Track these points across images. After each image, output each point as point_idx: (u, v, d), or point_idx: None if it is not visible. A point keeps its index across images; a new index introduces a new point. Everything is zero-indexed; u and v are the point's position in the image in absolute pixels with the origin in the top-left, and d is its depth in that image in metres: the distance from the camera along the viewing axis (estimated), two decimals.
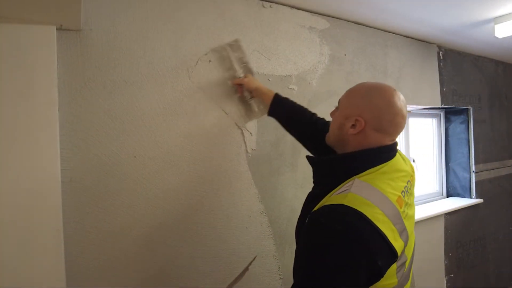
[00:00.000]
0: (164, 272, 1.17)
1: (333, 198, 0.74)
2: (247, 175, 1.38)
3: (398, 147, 0.86)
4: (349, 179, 0.76)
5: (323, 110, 1.58)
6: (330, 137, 0.90)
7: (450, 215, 2.33)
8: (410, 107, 2.26)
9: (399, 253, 0.72)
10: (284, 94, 1.27)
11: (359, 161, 0.79)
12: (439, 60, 2.28)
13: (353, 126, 0.80)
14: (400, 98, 0.81)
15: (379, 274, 0.69)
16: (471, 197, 2.53)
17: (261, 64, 1.43)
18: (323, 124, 1.15)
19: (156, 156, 1.16)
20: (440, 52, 2.30)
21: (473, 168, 2.53)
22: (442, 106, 2.29)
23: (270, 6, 1.45)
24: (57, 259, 0.93)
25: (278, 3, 1.48)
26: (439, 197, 2.60)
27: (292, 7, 1.52)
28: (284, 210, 1.49)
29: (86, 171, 1.04)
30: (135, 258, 1.12)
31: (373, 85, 0.83)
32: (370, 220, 0.67)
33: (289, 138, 1.49)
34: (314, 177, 0.92)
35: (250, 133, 1.39)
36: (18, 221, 0.88)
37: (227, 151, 1.33)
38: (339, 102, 0.88)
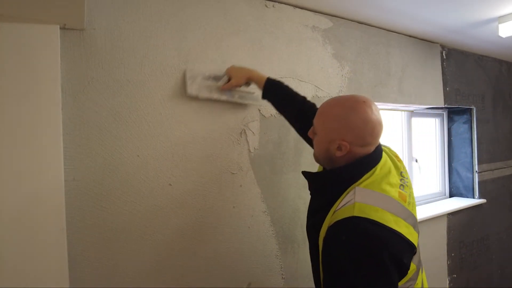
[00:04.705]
0: (165, 270, 1.17)
1: (341, 212, 0.77)
2: (249, 174, 1.38)
3: (381, 143, 0.91)
4: (349, 189, 0.80)
5: None
6: (319, 158, 0.93)
7: (453, 215, 2.32)
8: (413, 107, 2.25)
9: (416, 244, 0.78)
10: None
11: (352, 172, 0.83)
12: (442, 60, 2.27)
13: (339, 148, 0.83)
14: (373, 109, 0.82)
15: (406, 269, 0.75)
16: (474, 197, 2.52)
17: (263, 63, 1.42)
18: (310, 107, 1.18)
19: (159, 156, 1.16)
20: (443, 52, 2.29)
21: (476, 168, 2.51)
22: (445, 105, 2.28)
23: (273, 6, 1.45)
24: (61, 258, 0.93)
25: (281, 3, 1.47)
26: (442, 197, 2.59)
27: (295, 6, 1.52)
28: (286, 209, 1.48)
29: (89, 170, 1.04)
30: (138, 257, 1.12)
31: (344, 104, 0.84)
32: (384, 225, 0.72)
33: (292, 138, 1.49)
34: (310, 189, 0.96)
35: (253, 132, 1.39)
36: (21, 220, 0.88)
37: (230, 150, 1.33)
38: (313, 124, 0.90)
